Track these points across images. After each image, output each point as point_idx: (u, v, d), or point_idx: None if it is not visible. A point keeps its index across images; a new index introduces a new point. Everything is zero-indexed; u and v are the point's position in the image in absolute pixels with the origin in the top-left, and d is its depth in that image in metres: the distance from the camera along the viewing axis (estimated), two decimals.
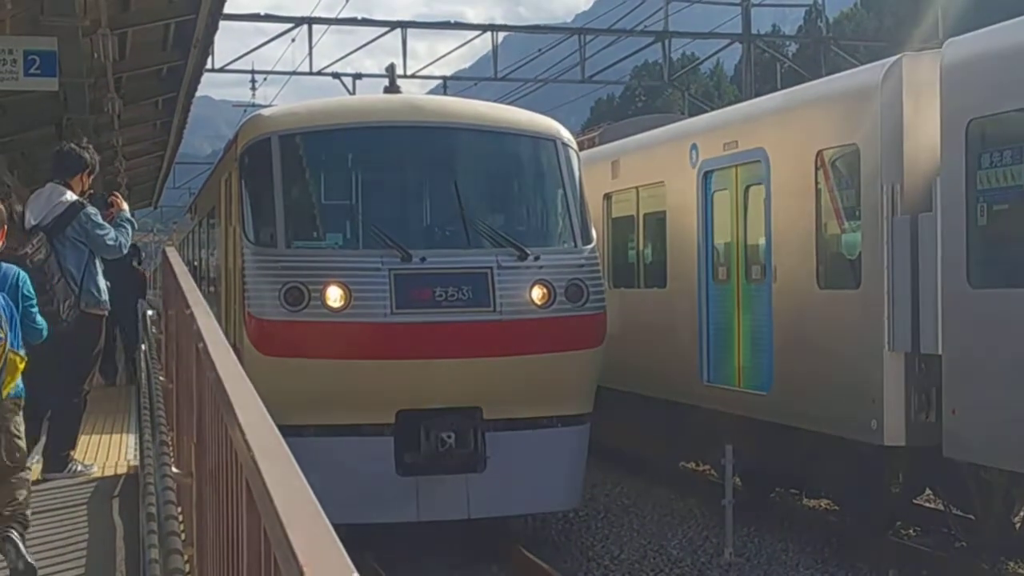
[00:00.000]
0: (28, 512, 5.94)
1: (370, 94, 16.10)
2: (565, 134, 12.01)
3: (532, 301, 10.71)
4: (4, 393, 5.87)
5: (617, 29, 34.11)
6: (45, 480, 8.37)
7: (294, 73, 32.94)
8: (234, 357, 3.44)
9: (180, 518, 4.09)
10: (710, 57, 52.70)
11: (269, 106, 15.85)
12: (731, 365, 13.19)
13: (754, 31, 32.30)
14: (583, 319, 10.94)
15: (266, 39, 30.27)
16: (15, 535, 5.90)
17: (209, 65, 23.16)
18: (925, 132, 10.44)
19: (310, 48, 30.12)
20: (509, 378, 10.57)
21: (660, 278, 14.93)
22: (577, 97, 47.44)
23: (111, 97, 17.59)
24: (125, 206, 9.22)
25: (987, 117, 9.69)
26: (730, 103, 31.71)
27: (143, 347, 10.90)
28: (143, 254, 26.23)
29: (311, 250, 10.96)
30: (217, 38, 19.00)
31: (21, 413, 6.14)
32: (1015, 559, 11.13)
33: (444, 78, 38.50)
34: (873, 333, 10.61)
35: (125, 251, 9.09)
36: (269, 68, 38.25)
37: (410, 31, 29.93)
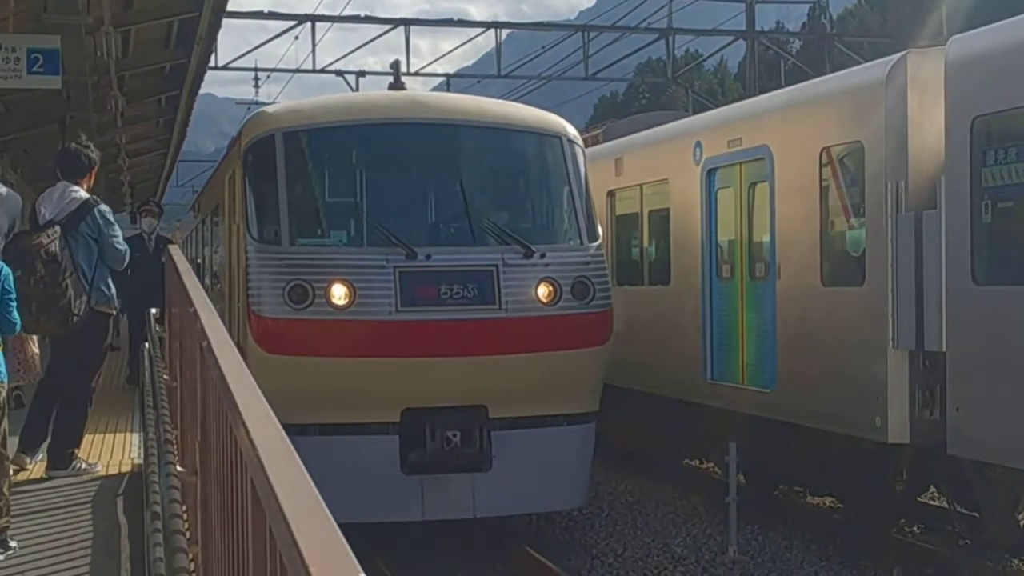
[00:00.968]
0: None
1: (374, 91, 16.04)
2: (571, 131, 11.95)
3: (538, 299, 10.65)
4: None
5: (621, 26, 34.06)
6: (50, 478, 8.41)
7: (297, 71, 32.93)
8: (238, 355, 3.45)
9: (185, 516, 4.10)
10: (714, 54, 52.70)
11: (272, 104, 15.77)
12: (735, 362, 13.19)
13: (758, 28, 32.27)
14: (589, 317, 10.88)
15: (269, 37, 30.24)
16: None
17: (212, 63, 23.19)
18: (930, 129, 10.44)
19: (313, 46, 30.14)
20: (515, 376, 10.50)
21: (664, 275, 14.92)
22: (580, 94, 47.50)
23: (114, 95, 17.60)
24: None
25: (992, 114, 9.68)
26: (734, 100, 31.67)
27: (146, 345, 10.87)
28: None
29: (315, 248, 10.88)
30: (220, 36, 18.99)
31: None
32: (1020, 557, 11.13)
33: (447, 75, 38.55)
34: (877, 330, 10.61)
35: (126, 262, 9.07)
36: (272, 66, 38.15)
37: (413, 29, 29.92)
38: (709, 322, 13.63)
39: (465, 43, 32.96)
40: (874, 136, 10.81)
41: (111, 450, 9.79)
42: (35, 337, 8.58)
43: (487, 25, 32.00)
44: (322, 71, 31.17)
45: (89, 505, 7.47)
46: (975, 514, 10.96)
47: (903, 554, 11.36)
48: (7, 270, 6.78)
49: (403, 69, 21.53)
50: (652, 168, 15.36)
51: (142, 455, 8.72)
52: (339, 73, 31.95)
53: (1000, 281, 9.66)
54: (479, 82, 36.57)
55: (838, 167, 11.60)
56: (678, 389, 14.25)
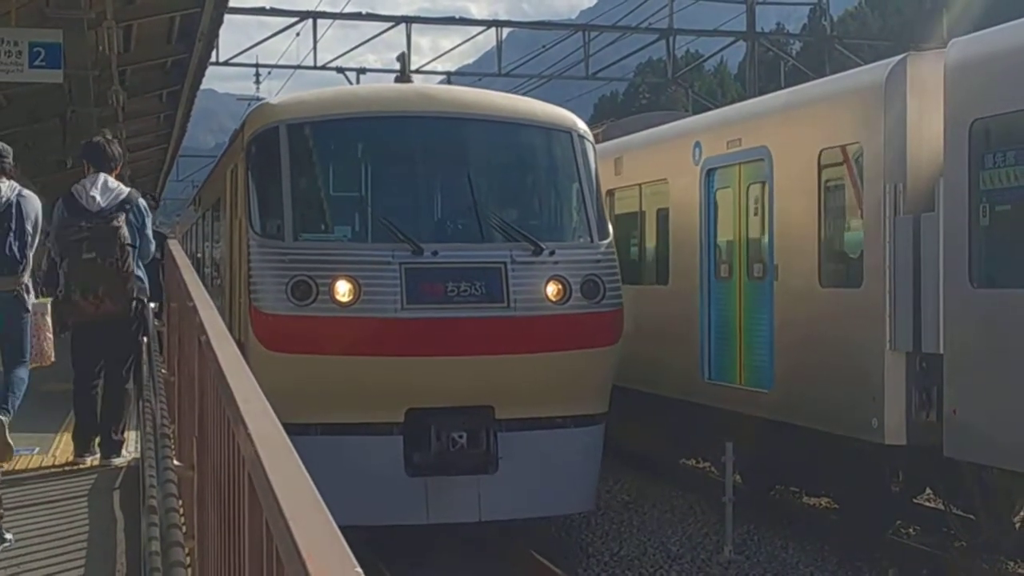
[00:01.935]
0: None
1: (381, 83, 15.89)
2: (581, 126, 11.71)
3: (547, 297, 10.40)
4: None
5: (621, 26, 34.06)
6: (104, 466, 8.55)
7: (298, 67, 32.90)
8: (236, 349, 3.44)
9: (181, 511, 4.09)
10: (714, 55, 52.73)
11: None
12: (732, 362, 13.20)
13: (758, 29, 32.28)
14: (599, 316, 10.63)
15: (270, 33, 30.25)
16: None
17: (213, 58, 23.17)
18: (929, 132, 10.44)
19: (314, 42, 30.11)
20: (522, 377, 10.26)
21: (662, 275, 14.92)
22: (581, 94, 47.48)
23: (115, 90, 17.62)
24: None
25: (991, 118, 9.68)
26: (734, 101, 31.71)
27: (144, 340, 10.82)
28: None
29: (319, 243, 10.61)
30: (221, 31, 19.01)
31: None
32: (1015, 559, 11.13)
33: (448, 73, 38.47)
34: (875, 332, 10.61)
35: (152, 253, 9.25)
36: (273, 62, 38.19)
37: (414, 26, 29.88)
38: (707, 322, 13.63)
39: (466, 41, 33.00)
40: (873, 138, 10.81)
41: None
42: (50, 325, 8.65)
43: (488, 23, 31.98)
44: (323, 68, 31.11)
45: (85, 499, 7.45)
46: (971, 516, 10.96)
47: (899, 555, 11.38)
48: None
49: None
50: (651, 168, 15.37)
51: (138, 449, 8.72)
52: (340, 70, 31.90)
53: (998, 284, 9.66)
54: (480, 80, 36.54)
55: (837, 169, 11.60)
56: (676, 389, 14.25)
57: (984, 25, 10.74)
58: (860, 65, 17.81)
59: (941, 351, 10.04)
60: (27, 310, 8.17)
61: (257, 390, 2.76)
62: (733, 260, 13.32)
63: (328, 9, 34.19)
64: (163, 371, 7.53)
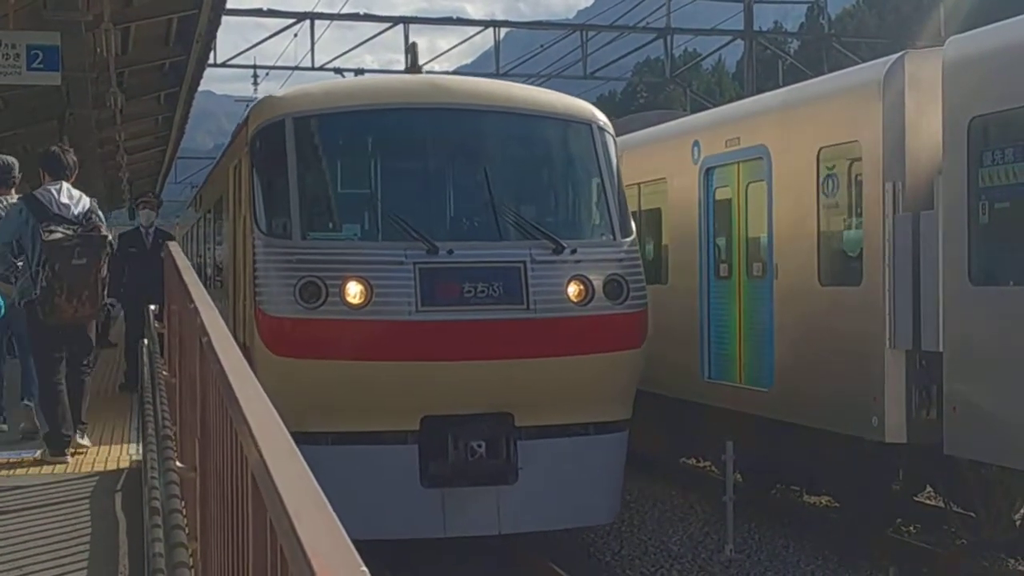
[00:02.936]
0: None
1: (391, 74, 15.52)
2: (601, 118, 11.12)
3: (568, 298, 9.88)
4: None
5: (619, 25, 34.13)
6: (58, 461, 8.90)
7: (296, 68, 32.94)
8: (238, 350, 3.44)
9: (184, 512, 4.10)
10: (712, 54, 52.60)
11: None
12: (732, 361, 13.20)
13: (756, 28, 32.29)
14: (623, 318, 10.11)
15: (268, 34, 30.32)
16: None
17: (211, 60, 23.18)
18: (927, 130, 10.46)
19: (312, 43, 30.15)
20: (543, 381, 9.76)
21: (661, 274, 14.93)
22: (579, 93, 47.24)
23: (113, 92, 17.62)
24: None
25: (989, 115, 9.69)
26: (731, 100, 31.69)
27: (145, 342, 10.81)
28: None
29: (329, 242, 10.07)
30: (219, 33, 19.01)
31: None
32: (1016, 556, 11.15)
33: (446, 74, 38.50)
34: (874, 330, 10.63)
35: None
36: (271, 63, 38.18)
37: (411, 27, 29.90)
38: (706, 321, 13.64)
39: (463, 42, 33.01)
40: (872, 136, 10.82)
41: (108, 447, 9.78)
42: None
43: (486, 24, 32.03)
44: (321, 69, 31.16)
45: (88, 501, 7.47)
46: (972, 514, 10.97)
47: (899, 554, 11.38)
48: None
49: (401, 68, 21.47)
50: (650, 167, 15.37)
51: (140, 452, 8.75)
52: (338, 71, 31.97)
53: (997, 281, 9.67)
54: None
55: (835, 167, 11.61)
56: (676, 388, 14.26)
57: (980, 23, 10.75)
58: (858, 63, 17.84)
59: (941, 349, 10.05)
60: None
61: (259, 390, 2.76)
62: (732, 259, 13.33)
63: (325, 10, 34.23)
64: (164, 373, 7.54)
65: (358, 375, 9.43)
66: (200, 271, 16.26)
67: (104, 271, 8.94)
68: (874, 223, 10.75)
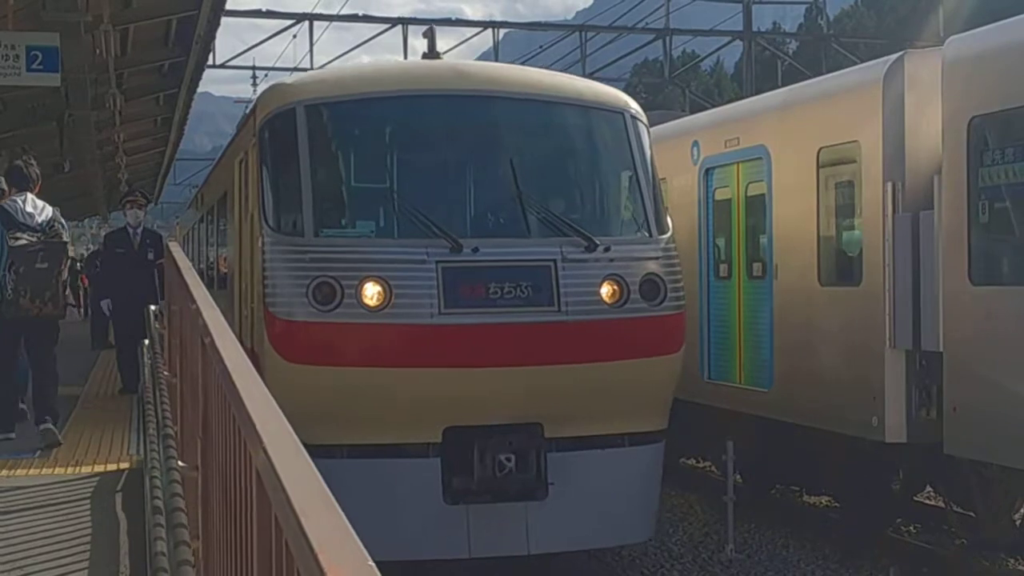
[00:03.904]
0: None
1: (410, 60, 14.09)
2: (634, 106, 10.39)
3: (602, 299, 9.20)
4: None
5: (618, 26, 34.17)
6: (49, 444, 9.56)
7: (295, 70, 32.89)
8: (241, 350, 3.44)
9: (186, 511, 4.11)
10: (711, 55, 52.75)
11: None
12: (732, 362, 13.22)
13: (755, 28, 32.33)
14: (660, 320, 9.45)
15: (267, 36, 30.33)
16: None
17: (210, 61, 23.19)
18: (927, 130, 10.47)
19: (311, 45, 30.19)
20: (575, 389, 9.04)
21: None
22: None
23: (112, 93, 17.66)
24: None
25: (989, 115, 9.71)
26: (731, 100, 31.73)
27: (145, 342, 10.81)
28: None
29: (344, 239, 9.35)
30: (218, 34, 19.03)
31: None
32: (1016, 556, 11.16)
33: None
34: (874, 330, 10.64)
35: None
36: (270, 65, 38.27)
37: (410, 28, 29.91)
38: (706, 321, 13.66)
39: (462, 43, 33.00)
40: (871, 136, 10.83)
41: (108, 448, 9.80)
42: None
43: (485, 24, 32.04)
44: (320, 70, 31.15)
45: (88, 502, 7.48)
46: (971, 513, 10.98)
47: (899, 553, 11.40)
48: None
49: None
50: None
51: (140, 452, 8.76)
52: None
53: (997, 281, 9.69)
54: None
55: (835, 167, 11.63)
56: (676, 388, 14.24)
57: (979, 23, 10.75)
58: (857, 63, 17.85)
59: (941, 349, 10.06)
60: None
61: (263, 388, 2.75)
62: (732, 259, 13.35)
63: (324, 11, 34.22)
64: (165, 373, 7.54)
65: (376, 383, 8.79)
66: (202, 273, 15.93)
67: (65, 274, 9.99)
68: (874, 223, 10.76)
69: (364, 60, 33.22)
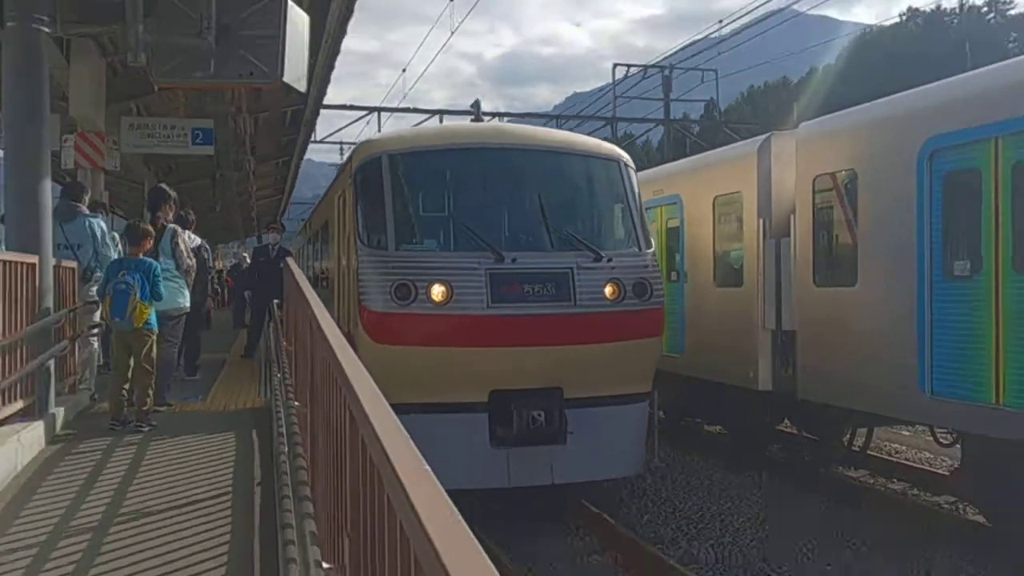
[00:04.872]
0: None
1: (463, 123, 13.37)
2: (626, 157, 10.09)
3: (605, 297, 8.82)
4: (138, 325, 7.19)
5: (580, 115, 34.09)
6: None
7: None
8: (337, 329, 3.36)
9: (300, 435, 4.09)
10: (642, 135, 52.59)
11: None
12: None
13: (672, 117, 32.25)
14: (647, 312, 9.07)
15: (350, 121, 30.24)
16: (146, 429, 7.07)
17: (313, 138, 23.16)
18: (786, 184, 10.46)
19: (379, 127, 30.06)
20: (586, 362, 8.69)
21: None
22: None
23: (248, 159, 17.60)
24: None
25: (824, 175, 9.70)
26: (656, 165, 31.69)
27: (271, 325, 10.68)
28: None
29: (417, 252, 8.86)
30: (318, 120, 18.98)
31: (153, 337, 7.37)
32: (845, 467, 11.14)
33: None
34: (751, 316, 10.63)
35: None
36: (352, 140, 38.11)
37: (445, 117, 29.82)
38: None
39: None
40: (750, 188, 10.83)
41: (246, 395, 9.72)
42: None
43: (492, 115, 31.91)
44: (398, 130, 30.98)
45: (233, 432, 7.41)
46: (816, 438, 10.97)
47: (768, 464, 11.37)
48: (156, 265, 7.57)
49: None
50: None
51: (267, 395, 8.72)
52: None
53: (828, 284, 9.69)
54: None
55: (725, 208, 11.61)
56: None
57: (826, 112, 10.74)
58: (740, 141, 17.82)
59: (795, 328, 10.06)
60: None
61: (357, 361, 2.66)
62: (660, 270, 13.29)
63: (388, 105, 34.03)
64: (285, 344, 7.51)
65: (440, 358, 8.42)
66: (310, 278, 15.70)
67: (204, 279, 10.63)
68: (751, 245, 10.76)
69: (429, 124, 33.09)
